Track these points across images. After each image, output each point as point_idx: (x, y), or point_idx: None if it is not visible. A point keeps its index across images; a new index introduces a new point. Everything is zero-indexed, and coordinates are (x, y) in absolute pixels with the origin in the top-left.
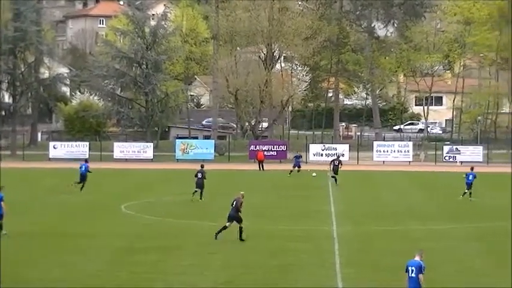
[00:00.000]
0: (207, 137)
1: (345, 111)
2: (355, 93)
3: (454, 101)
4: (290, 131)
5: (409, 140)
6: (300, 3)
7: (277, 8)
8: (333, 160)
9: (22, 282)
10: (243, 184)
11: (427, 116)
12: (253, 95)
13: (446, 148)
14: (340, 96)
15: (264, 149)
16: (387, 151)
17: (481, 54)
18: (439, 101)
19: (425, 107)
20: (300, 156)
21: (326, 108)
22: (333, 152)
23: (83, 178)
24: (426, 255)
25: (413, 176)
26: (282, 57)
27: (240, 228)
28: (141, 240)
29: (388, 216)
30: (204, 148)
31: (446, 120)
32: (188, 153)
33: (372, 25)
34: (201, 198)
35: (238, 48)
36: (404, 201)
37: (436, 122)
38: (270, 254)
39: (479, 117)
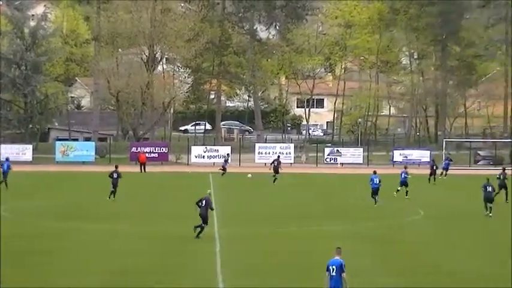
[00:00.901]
0: (87, 139)
1: (227, 113)
2: (237, 95)
3: (335, 103)
4: (172, 133)
5: (291, 142)
6: (182, 4)
7: (159, 9)
8: (274, 160)
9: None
10: (125, 186)
11: (309, 118)
12: (135, 97)
13: (327, 150)
14: (222, 98)
15: (145, 150)
16: (269, 153)
17: (362, 57)
18: (320, 103)
19: (307, 109)
20: (226, 160)
21: (208, 110)
22: (215, 153)
23: None
24: (305, 257)
25: (295, 177)
26: (164, 59)
27: (202, 227)
28: (20, 242)
29: (269, 218)
30: (84, 150)
31: (327, 122)
32: (68, 155)
33: (254, 27)
34: (109, 197)
35: (120, 49)
36: (285, 202)
37: (317, 124)
38: (151, 256)
39: (359, 120)
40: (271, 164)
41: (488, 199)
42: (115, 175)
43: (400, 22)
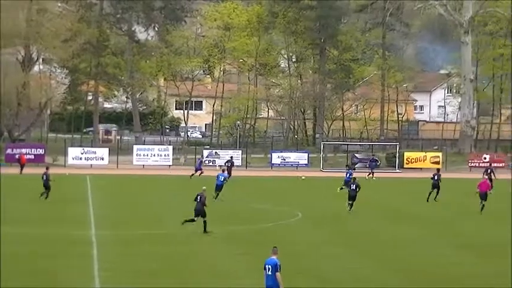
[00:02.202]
0: None
1: (104, 115)
2: (115, 96)
3: (214, 105)
4: (49, 134)
5: (169, 144)
6: (59, 4)
7: (35, 9)
8: (227, 162)
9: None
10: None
11: (187, 120)
12: (10, 97)
13: (206, 152)
14: (100, 99)
15: (21, 152)
16: (147, 155)
17: (241, 60)
18: (199, 105)
19: (186, 111)
20: (201, 162)
21: (85, 111)
22: (93, 155)
23: None
24: (183, 260)
25: (173, 180)
26: (41, 59)
27: (204, 221)
28: None
29: (148, 220)
30: None
31: (206, 124)
32: None
33: (133, 28)
34: (46, 198)
35: None
36: (164, 204)
37: (196, 126)
38: (25, 259)
39: (238, 122)
40: (225, 164)
41: (351, 197)
42: (45, 177)
43: (278, 25)
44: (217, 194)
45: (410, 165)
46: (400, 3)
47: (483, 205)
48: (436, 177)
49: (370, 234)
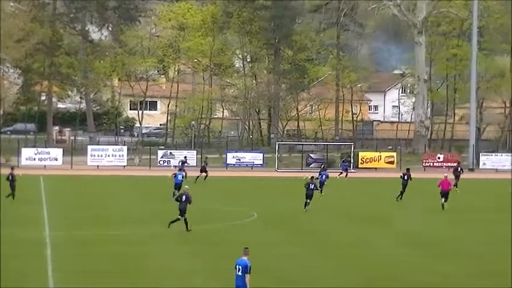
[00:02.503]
0: None
1: (58, 115)
2: (69, 96)
3: (168, 105)
4: (1, 135)
5: (124, 145)
6: (12, 4)
7: None
8: (180, 162)
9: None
10: None
11: (142, 120)
12: None
13: (160, 153)
14: (54, 99)
15: None
16: (102, 155)
17: (195, 60)
18: (153, 105)
19: (140, 112)
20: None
21: (39, 112)
22: (46, 156)
23: None
24: (137, 260)
25: (128, 180)
26: None
27: (179, 219)
28: None
29: (102, 221)
30: None
31: (160, 124)
32: None
33: (86, 28)
34: (13, 198)
35: None
36: (118, 205)
37: (151, 127)
38: None
39: (193, 122)
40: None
41: (308, 196)
42: (10, 177)
43: (233, 25)
44: (174, 193)
45: (365, 165)
46: (354, 3)
47: (444, 203)
48: (406, 177)
49: (327, 234)
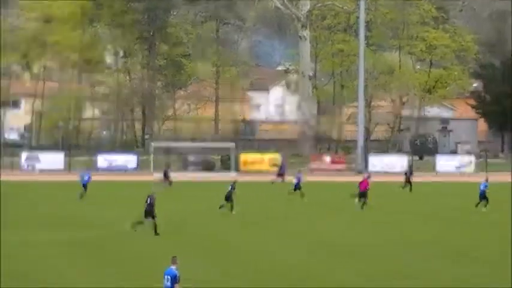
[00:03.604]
0: None
1: None
2: None
3: (33, 104)
4: None
5: None
6: None
7: None
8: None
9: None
10: None
11: (4, 120)
12: None
13: (24, 155)
14: None
15: None
16: None
17: (63, 55)
18: (16, 104)
19: (2, 111)
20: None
21: None
22: None
23: None
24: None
25: None
26: None
27: (142, 222)
28: None
29: None
30: None
31: (25, 125)
32: None
33: None
34: None
35: None
36: None
37: (14, 127)
38: None
39: (60, 123)
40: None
41: (226, 197)
42: None
43: (104, 18)
44: (82, 194)
45: (247, 168)
46: None
47: (364, 202)
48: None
49: (215, 236)
